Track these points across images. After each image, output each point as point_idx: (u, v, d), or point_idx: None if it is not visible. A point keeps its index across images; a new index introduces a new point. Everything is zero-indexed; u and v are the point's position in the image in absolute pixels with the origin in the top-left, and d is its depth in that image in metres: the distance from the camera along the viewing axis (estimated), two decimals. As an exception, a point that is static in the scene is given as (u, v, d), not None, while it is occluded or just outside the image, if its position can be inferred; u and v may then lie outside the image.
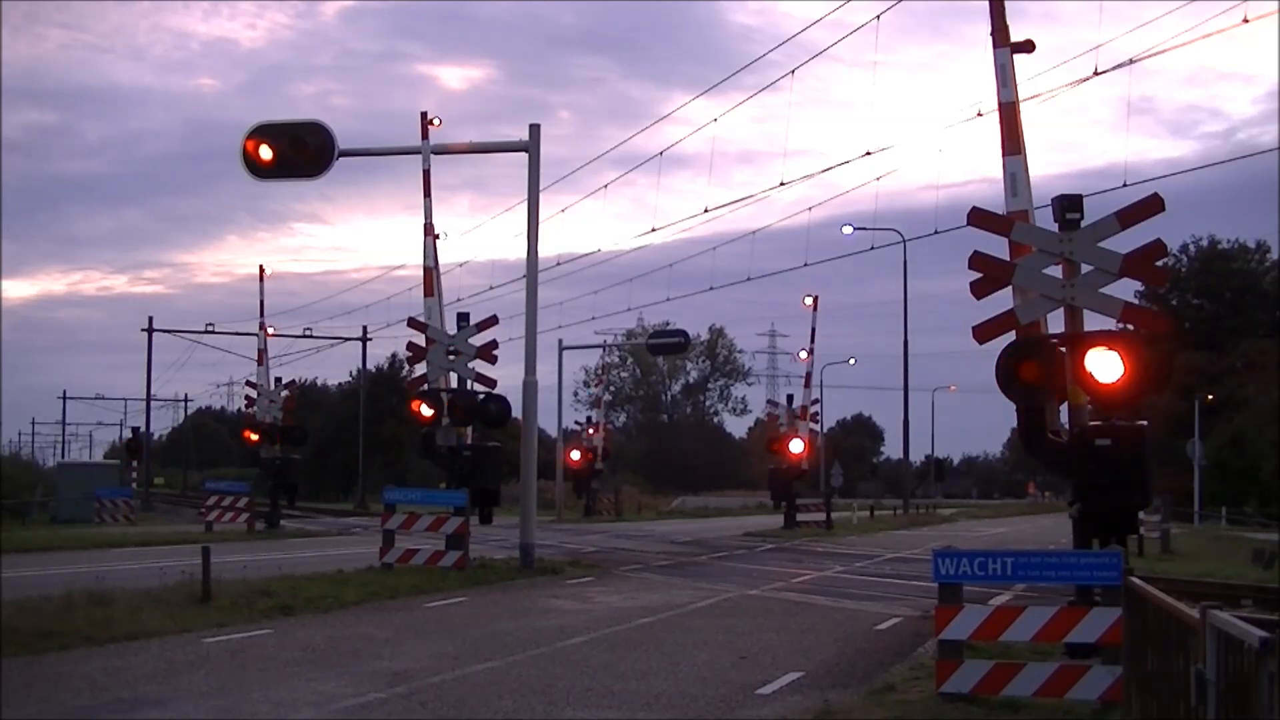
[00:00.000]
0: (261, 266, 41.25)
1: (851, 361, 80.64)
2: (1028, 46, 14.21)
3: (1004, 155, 13.86)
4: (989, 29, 14.12)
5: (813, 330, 42.53)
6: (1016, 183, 13.67)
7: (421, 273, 25.44)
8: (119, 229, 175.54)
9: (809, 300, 42.03)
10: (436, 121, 24.64)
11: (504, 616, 16.08)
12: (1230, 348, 64.89)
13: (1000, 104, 14.02)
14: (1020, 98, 14.04)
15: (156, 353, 60.84)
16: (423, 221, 25.14)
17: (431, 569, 20.98)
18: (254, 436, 38.30)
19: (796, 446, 40.21)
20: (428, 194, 25.01)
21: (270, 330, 42.34)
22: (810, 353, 42.67)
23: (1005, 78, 14.08)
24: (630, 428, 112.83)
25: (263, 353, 40.11)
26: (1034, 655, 11.11)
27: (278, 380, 40.44)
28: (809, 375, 42.79)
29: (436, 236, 25.49)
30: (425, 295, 25.39)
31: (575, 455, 51.30)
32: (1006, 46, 14.15)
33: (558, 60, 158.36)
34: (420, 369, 25.76)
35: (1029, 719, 9.80)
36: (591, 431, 52.23)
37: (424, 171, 24.81)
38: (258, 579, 17.84)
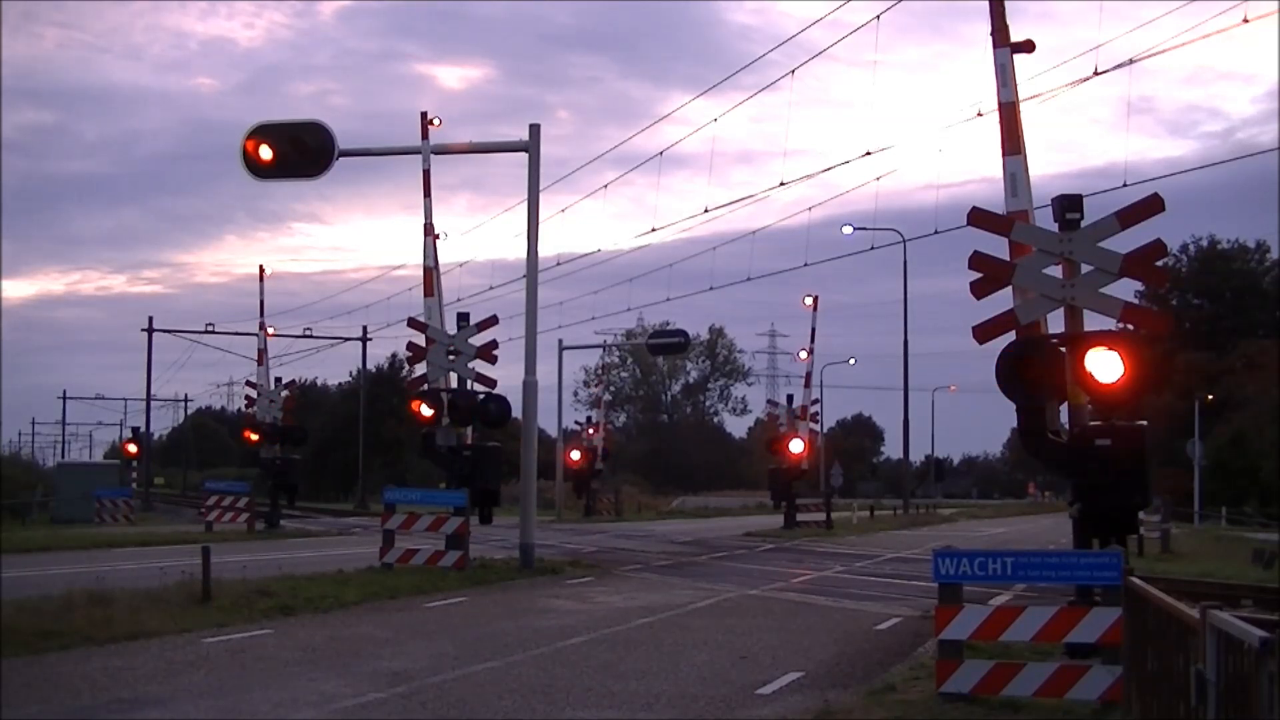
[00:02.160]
0: (261, 267, 41.40)
1: (851, 361, 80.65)
2: (1028, 46, 14.22)
3: (1004, 155, 13.87)
4: (989, 29, 14.13)
5: (813, 330, 42.58)
6: (1016, 183, 13.68)
7: (421, 273, 25.47)
8: (117, 229, 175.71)
9: (809, 300, 42.08)
10: (436, 121, 24.66)
11: (504, 616, 16.08)
12: (1230, 348, 64.87)
13: (1000, 104, 14.02)
14: (1020, 98, 14.05)
15: (156, 353, 60.92)
16: (423, 221, 25.18)
17: (431, 569, 20.97)
18: (254, 436, 38.24)
19: (797, 446, 40.24)
20: (428, 194, 25.03)
21: (270, 330, 42.42)
22: (810, 352, 42.69)
23: (1005, 77, 14.09)
24: (630, 428, 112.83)
25: (262, 353, 40.18)
26: (1034, 655, 11.11)
27: (278, 380, 40.48)
28: (809, 375, 42.80)
29: (437, 236, 25.52)
30: (425, 295, 25.42)
31: (575, 455, 51.32)
32: (1007, 46, 14.16)
33: (556, 60, 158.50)
34: (420, 369, 25.77)
35: (1029, 719, 9.80)
36: (591, 432, 52.28)
37: (424, 172, 24.81)
38: (258, 579, 17.83)
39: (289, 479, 38.15)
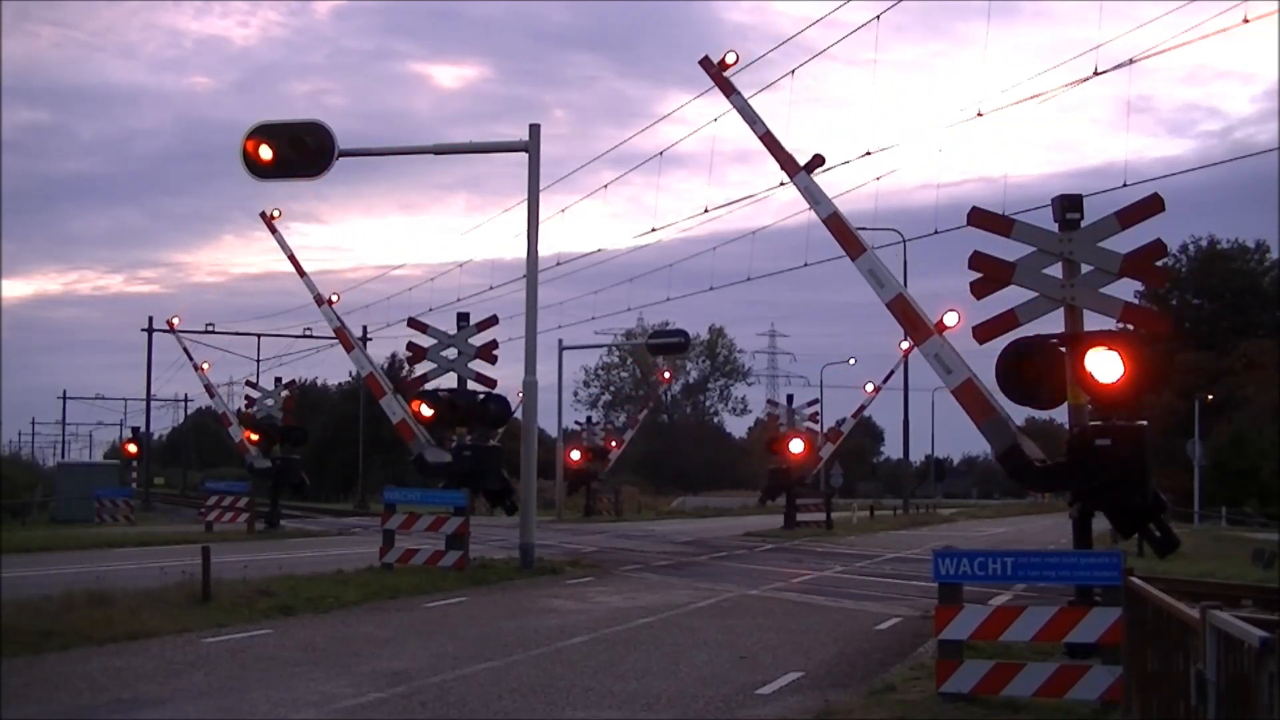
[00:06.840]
0: (170, 320, 46.09)
1: (851, 362, 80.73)
2: (817, 162, 14.87)
3: (852, 259, 14.56)
4: (778, 167, 15.08)
5: (891, 373, 45.28)
6: (878, 275, 14.30)
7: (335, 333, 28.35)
8: (114, 228, 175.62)
9: (904, 344, 42.92)
10: (276, 213, 27.15)
11: (504, 616, 16.08)
12: (1230, 348, 64.84)
13: (823, 219, 14.71)
14: (839, 209, 14.79)
15: (156, 353, 60.86)
16: (311, 295, 26.96)
17: (431, 569, 20.98)
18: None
19: (797, 447, 40.51)
20: (302, 274, 26.73)
21: (206, 366, 46.31)
22: (878, 390, 44.03)
23: (815, 196, 14.85)
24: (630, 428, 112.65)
25: (210, 387, 44.20)
26: (1034, 655, 11.12)
27: (277, 380, 40.69)
28: (862, 407, 44.84)
29: (330, 302, 28.02)
30: (347, 350, 26.86)
31: (575, 455, 51.34)
32: (801, 171, 14.70)
33: (552, 59, 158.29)
34: (420, 369, 25.88)
35: (1029, 719, 9.80)
36: (614, 445, 52.84)
37: (290, 257, 26.22)
38: (258, 579, 17.84)
39: (291, 478, 38.18)
